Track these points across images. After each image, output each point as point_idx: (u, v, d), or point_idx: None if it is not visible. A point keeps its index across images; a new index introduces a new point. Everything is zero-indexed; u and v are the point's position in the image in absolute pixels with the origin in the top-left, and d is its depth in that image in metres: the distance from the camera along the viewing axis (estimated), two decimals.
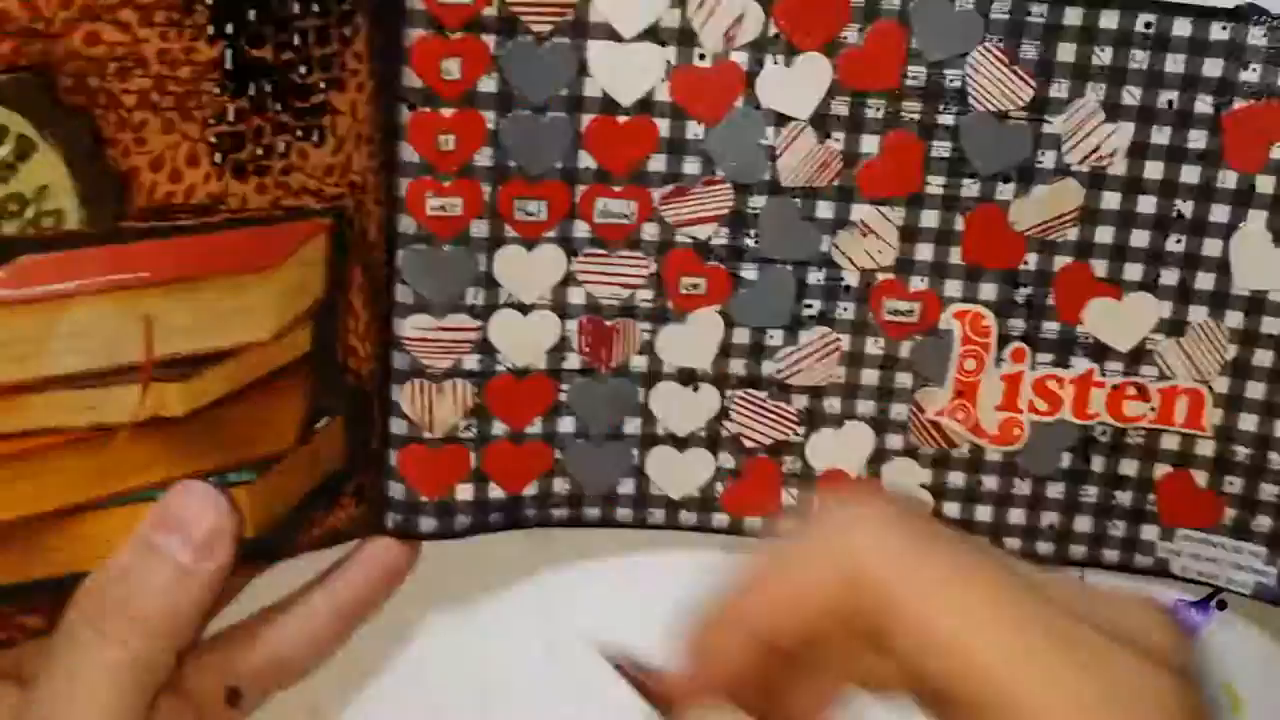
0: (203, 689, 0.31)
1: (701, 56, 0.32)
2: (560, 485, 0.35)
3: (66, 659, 0.28)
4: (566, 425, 0.35)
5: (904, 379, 0.35)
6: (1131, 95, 0.33)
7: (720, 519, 0.36)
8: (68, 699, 0.28)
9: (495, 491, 0.34)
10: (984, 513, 0.36)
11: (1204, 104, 0.33)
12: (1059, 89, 0.33)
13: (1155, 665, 0.23)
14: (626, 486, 0.35)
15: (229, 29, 0.26)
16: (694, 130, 0.33)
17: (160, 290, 0.27)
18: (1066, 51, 0.32)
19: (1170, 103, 0.33)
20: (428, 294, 0.32)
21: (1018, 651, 0.23)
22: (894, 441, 0.36)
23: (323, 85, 0.28)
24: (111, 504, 0.28)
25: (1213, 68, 0.32)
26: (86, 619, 0.28)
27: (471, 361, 0.33)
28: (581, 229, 0.33)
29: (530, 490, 0.35)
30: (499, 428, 0.34)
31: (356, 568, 0.33)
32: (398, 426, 0.33)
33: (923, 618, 0.24)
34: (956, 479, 0.36)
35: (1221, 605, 0.39)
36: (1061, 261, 0.34)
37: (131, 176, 0.26)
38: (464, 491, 0.34)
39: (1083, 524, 0.36)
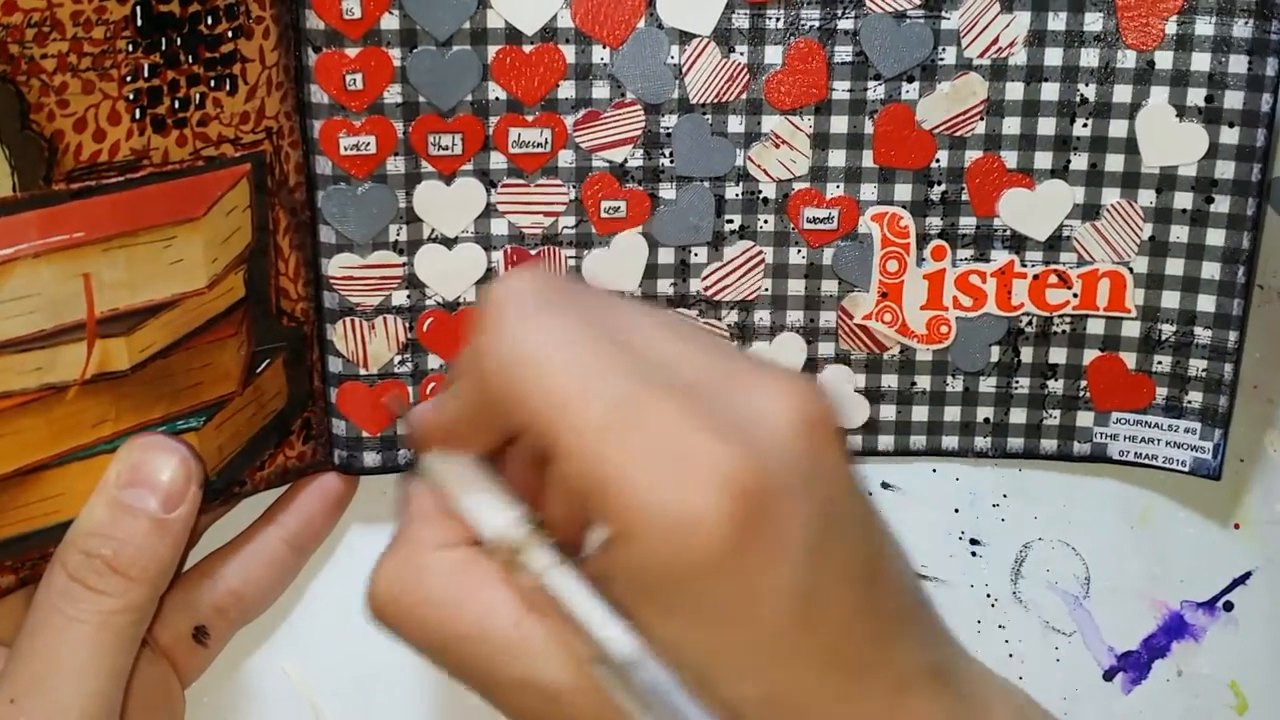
0: (170, 633, 0.37)
1: None
2: None
3: (58, 615, 0.32)
4: None
5: (829, 286, 0.40)
6: None
7: None
8: (57, 654, 0.32)
9: None
10: (920, 413, 0.41)
11: None
12: None
13: (722, 441, 0.27)
14: None
15: None
16: (600, 55, 0.38)
17: (96, 248, 0.32)
18: None
19: None
20: (349, 233, 0.37)
21: (590, 417, 0.28)
22: (826, 349, 0.41)
23: (230, 34, 0.33)
24: (68, 460, 0.33)
25: None
26: (75, 577, 0.32)
27: (400, 297, 0.39)
28: (498, 160, 0.38)
29: None
30: (434, 361, 0.39)
31: (303, 501, 0.39)
32: (334, 365, 0.39)
33: (524, 388, 0.29)
34: (890, 381, 0.41)
35: (1228, 607, 0.43)
36: (972, 156, 0.39)
37: (58, 139, 0.30)
38: (405, 426, 0.39)
39: (1018, 416, 0.42)
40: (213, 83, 0.33)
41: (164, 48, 0.32)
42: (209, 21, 0.33)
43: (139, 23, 0.31)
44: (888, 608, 0.31)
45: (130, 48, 0.31)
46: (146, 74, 0.32)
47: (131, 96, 0.31)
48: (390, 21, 0.36)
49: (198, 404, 0.35)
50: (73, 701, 0.32)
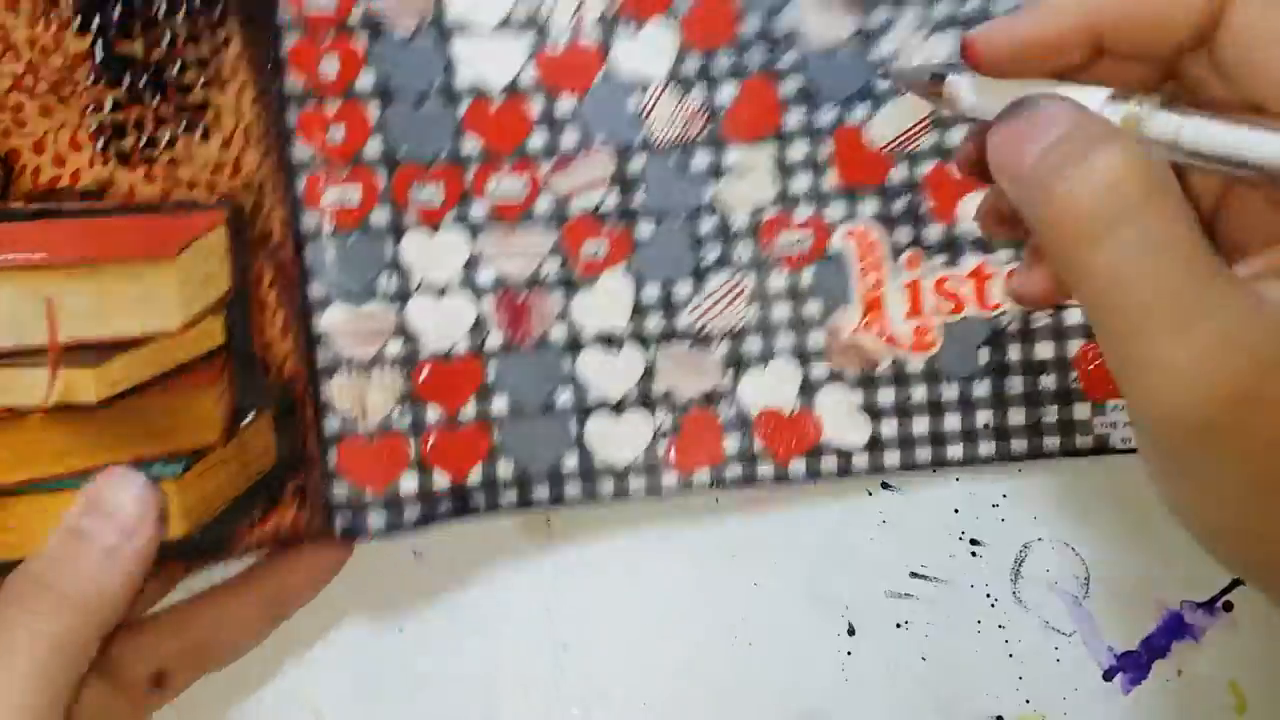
0: (129, 672, 0.28)
1: (557, 40, 0.32)
2: (505, 468, 0.32)
3: None
4: (500, 405, 0.32)
5: (813, 307, 0.33)
6: (943, 7, 0.33)
7: (669, 480, 0.33)
8: None
9: (440, 481, 0.31)
10: (920, 425, 0.33)
11: (1007, 2, 0.33)
12: (880, 15, 0.33)
13: None
14: (570, 462, 0.32)
15: (95, 23, 0.24)
16: (567, 104, 0.32)
17: (59, 273, 0.25)
18: None
19: (975, 9, 0.33)
20: (339, 285, 0.30)
21: None
22: (819, 370, 0.33)
23: (201, 83, 0.27)
24: (31, 490, 0.26)
25: None
26: (13, 600, 0.25)
27: (395, 347, 0.31)
28: (479, 209, 0.31)
29: (475, 477, 0.32)
30: (433, 414, 0.31)
31: (288, 563, 0.30)
32: (331, 424, 0.30)
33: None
34: (886, 395, 0.33)
35: (1228, 607, 0.36)
36: (926, 167, 0.33)
37: (13, 159, 0.24)
38: (408, 482, 0.31)
39: (1016, 417, 0.33)
40: (184, 126, 0.27)
41: (127, 84, 0.25)
42: (177, 68, 0.26)
43: (98, 58, 0.25)
44: None
45: (91, 80, 0.25)
46: (110, 107, 0.25)
47: (94, 126, 0.25)
48: (366, 79, 0.30)
49: (175, 449, 0.27)
50: None
